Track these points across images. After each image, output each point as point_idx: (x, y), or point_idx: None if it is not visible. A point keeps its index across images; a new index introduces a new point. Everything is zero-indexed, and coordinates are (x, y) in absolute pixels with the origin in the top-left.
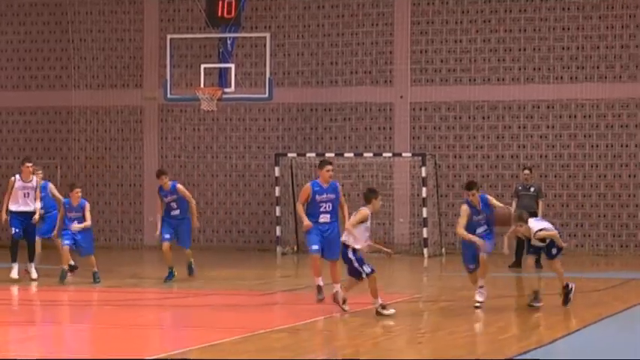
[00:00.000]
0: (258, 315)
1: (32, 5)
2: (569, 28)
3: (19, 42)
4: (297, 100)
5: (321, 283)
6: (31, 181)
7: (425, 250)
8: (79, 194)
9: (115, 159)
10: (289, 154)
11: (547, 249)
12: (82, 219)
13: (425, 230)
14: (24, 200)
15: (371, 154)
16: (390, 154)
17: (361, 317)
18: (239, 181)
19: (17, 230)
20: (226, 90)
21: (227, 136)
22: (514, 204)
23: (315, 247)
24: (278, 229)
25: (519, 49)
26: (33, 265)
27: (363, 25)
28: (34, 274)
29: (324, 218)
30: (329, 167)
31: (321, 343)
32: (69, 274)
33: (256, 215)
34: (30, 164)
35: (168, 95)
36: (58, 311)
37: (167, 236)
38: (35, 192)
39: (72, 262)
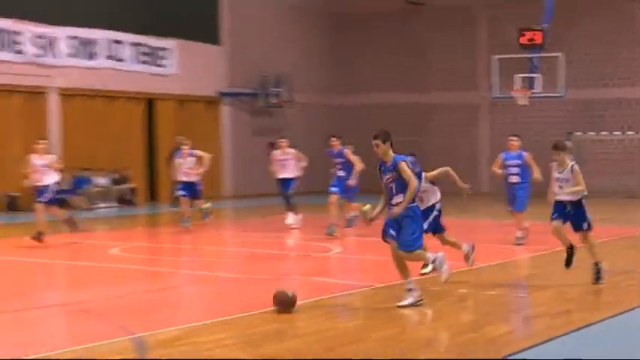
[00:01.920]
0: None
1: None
2: None
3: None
4: (581, 97)
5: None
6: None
7: None
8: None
9: (461, 138)
10: (575, 133)
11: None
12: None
13: None
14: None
15: (633, 132)
16: None
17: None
18: (538, 154)
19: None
20: (534, 91)
21: (536, 120)
22: None
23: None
24: None
25: None
26: (291, 215)
27: (616, 44)
28: (291, 220)
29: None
30: (512, 138)
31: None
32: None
33: None
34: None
35: (496, 94)
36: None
37: (333, 189)
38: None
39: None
